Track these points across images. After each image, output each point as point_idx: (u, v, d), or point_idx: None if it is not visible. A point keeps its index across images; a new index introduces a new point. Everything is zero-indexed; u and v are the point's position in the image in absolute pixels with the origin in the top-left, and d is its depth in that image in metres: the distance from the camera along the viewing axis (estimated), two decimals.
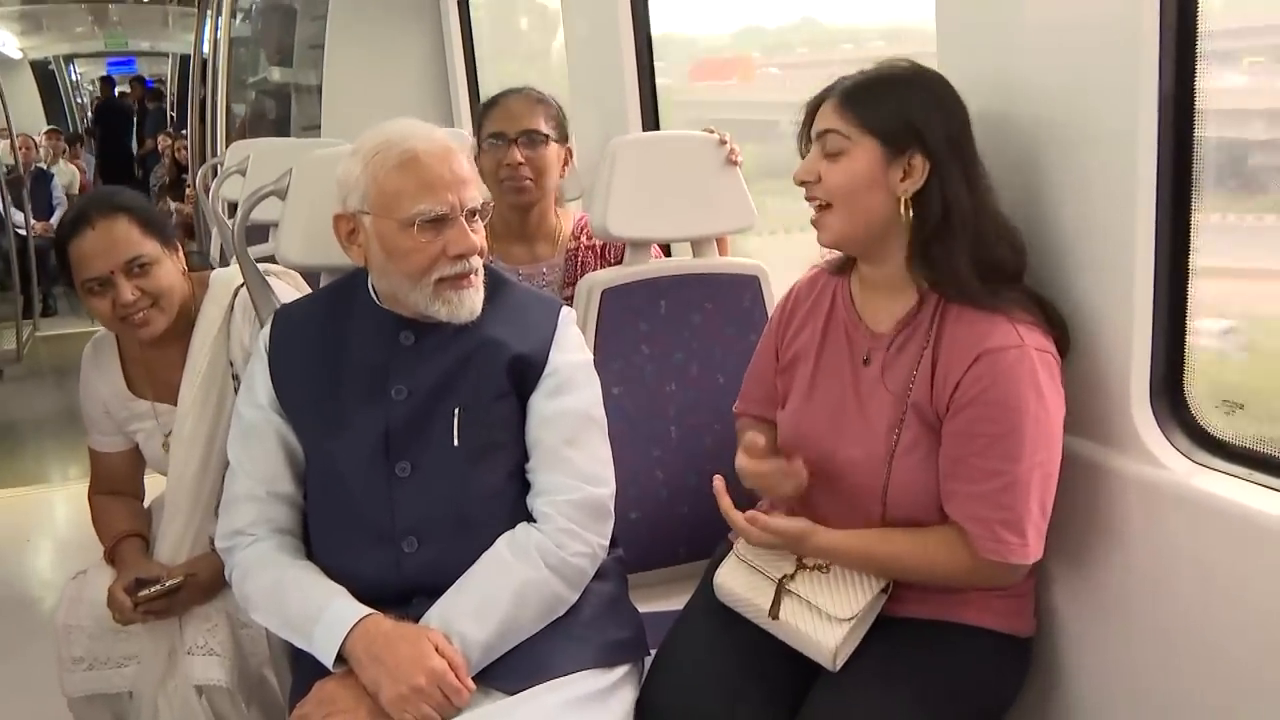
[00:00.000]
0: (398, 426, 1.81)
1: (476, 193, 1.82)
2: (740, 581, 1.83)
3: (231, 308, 2.27)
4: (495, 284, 1.89)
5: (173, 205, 9.32)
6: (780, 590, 1.78)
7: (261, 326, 2.01)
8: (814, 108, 1.80)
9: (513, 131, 2.61)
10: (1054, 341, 1.73)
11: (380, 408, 1.82)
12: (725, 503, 1.78)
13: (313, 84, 5.81)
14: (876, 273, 1.82)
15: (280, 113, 7.34)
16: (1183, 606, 1.69)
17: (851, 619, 1.74)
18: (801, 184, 1.79)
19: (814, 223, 1.81)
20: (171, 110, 14.90)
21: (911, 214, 1.72)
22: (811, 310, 1.94)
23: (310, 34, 6.05)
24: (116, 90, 17.20)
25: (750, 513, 1.77)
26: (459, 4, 4.71)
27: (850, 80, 1.77)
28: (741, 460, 1.83)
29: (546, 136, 2.61)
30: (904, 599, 1.81)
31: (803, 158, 1.82)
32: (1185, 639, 1.69)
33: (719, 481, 1.81)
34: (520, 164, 2.59)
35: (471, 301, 1.81)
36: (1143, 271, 1.71)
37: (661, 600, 2.25)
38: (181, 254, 2.29)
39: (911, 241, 1.74)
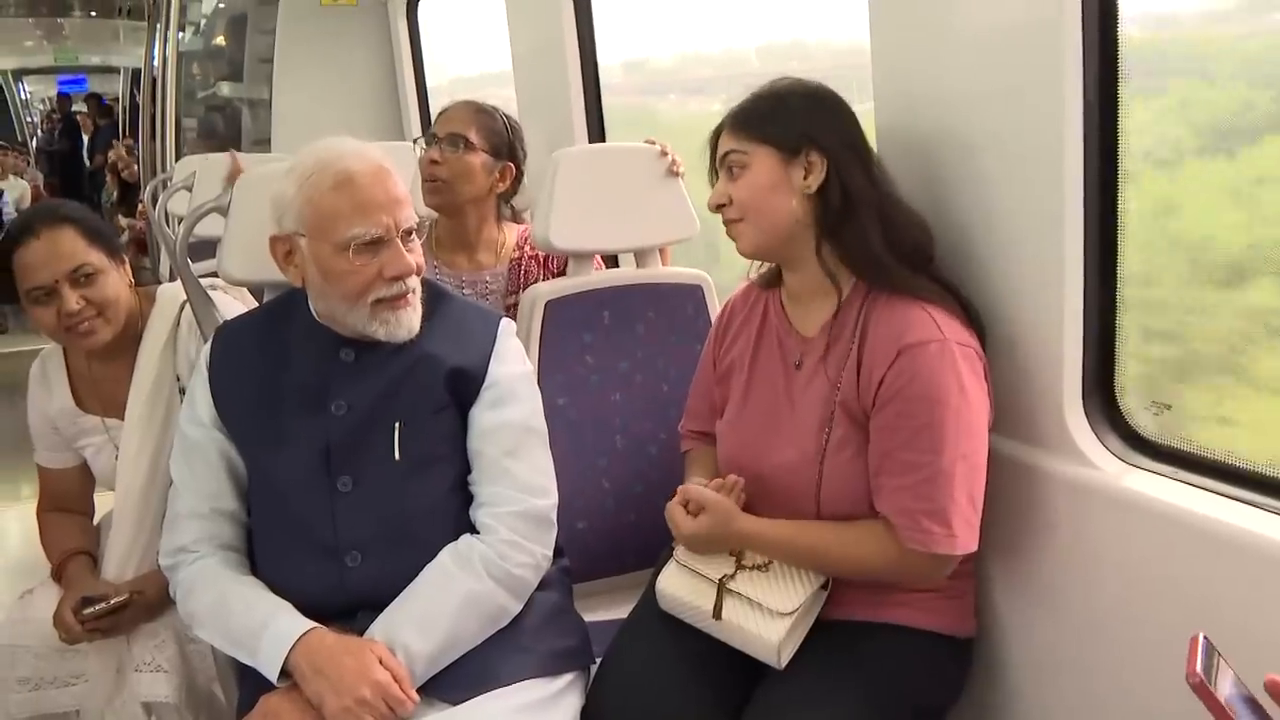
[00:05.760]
0: (338, 442, 1.82)
1: (412, 211, 1.82)
2: (682, 586, 1.85)
3: (178, 322, 2.26)
4: (434, 298, 1.90)
5: (124, 222, 9.23)
6: (721, 590, 1.80)
7: (205, 342, 2.01)
8: (715, 139, 1.88)
9: (440, 132, 2.61)
10: (975, 336, 1.78)
11: (320, 423, 1.82)
12: (673, 501, 1.84)
13: (264, 98, 5.79)
14: (799, 280, 1.87)
15: (232, 127, 7.30)
16: (1117, 603, 1.72)
17: (793, 612, 1.76)
18: (717, 209, 1.87)
19: (730, 234, 1.87)
20: (122, 125, 14.78)
21: (814, 209, 1.80)
22: (745, 321, 1.99)
23: (260, 48, 6.02)
24: (73, 108, 17.04)
25: (684, 486, 1.84)
26: (408, 17, 4.71)
27: (738, 104, 1.87)
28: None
29: (469, 143, 2.59)
30: (845, 602, 1.84)
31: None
32: (1119, 635, 1.73)
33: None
34: (434, 162, 2.58)
35: (409, 321, 1.82)
36: (1072, 275, 1.75)
37: (610, 609, 2.25)
38: (128, 267, 2.28)
39: (820, 233, 1.81)
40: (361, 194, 1.77)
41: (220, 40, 7.97)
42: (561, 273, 2.68)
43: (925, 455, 1.70)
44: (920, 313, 1.75)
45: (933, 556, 1.72)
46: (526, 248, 2.71)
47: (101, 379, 2.31)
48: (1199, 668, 1.08)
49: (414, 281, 1.82)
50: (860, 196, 1.78)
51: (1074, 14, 1.67)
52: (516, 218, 2.82)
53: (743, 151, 1.82)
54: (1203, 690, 1.07)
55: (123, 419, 2.26)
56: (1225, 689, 1.09)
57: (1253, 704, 1.10)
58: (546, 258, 2.70)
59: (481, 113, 2.65)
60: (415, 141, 2.68)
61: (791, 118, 1.80)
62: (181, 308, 2.28)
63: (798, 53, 3.68)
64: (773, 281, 1.97)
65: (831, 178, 1.78)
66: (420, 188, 2.63)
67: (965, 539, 1.72)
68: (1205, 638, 1.12)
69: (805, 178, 1.79)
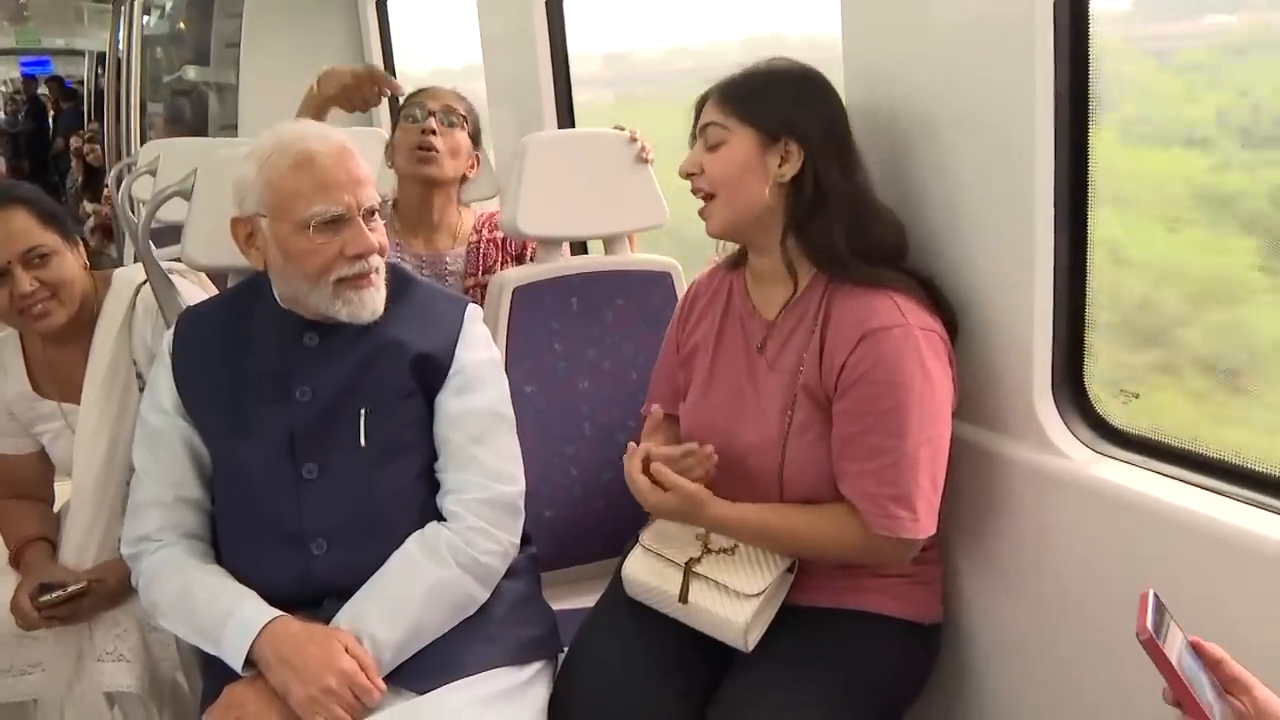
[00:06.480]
0: (303, 428, 1.80)
1: (374, 191, 1.80)
2: (648, 570, 1.85)
3: (133, 305, 2.23)
4: (400, 282, 1.88)
5: (90, 207, 9.12)
6: (688, 573, 1.80)
7: (167, 328, 1.98)
8: (700, 105, 1.86)
9: (434, 106, 2.61)
10: (943, 323, 1.78)
11: (285, 410, 1.81)
12: (634, 464, 1.79)
13: (231, 83, 5.73)
14: (765, 262, 1.87)
15: (198, 112, 7.23)
16: (1085, 590, 1.74)
17: (759, 594, 1.76)
18: (687, 176, 1.85)
19: (701, 213, 1.86)
20: (88, 109, 14.64)
21: (784, 198, 1.79)
22: (710, 302, 1.99)
23: (227, 32, 5.96)
24: (39, 90, 16.87)
25: (654, 465, 1.78)
26: (377, 3, 4.67)
27: (729, 76, 1.84)
28: (653, 449, 1.82)
29: (464, 118, 2.62)
30: (812, 587, 1.84)
31: None
32: (1086, 621, 1.74)
33: (632, 445, 1.82)
34: (434, 132, 2.58)
35: (373, 301, 1.80)
36: (1042, 263, 1.75)
37: (577, 597, 2.25)
38: (82, 249, 2.25)
39: (787, 222, 1.80)
40: (322, 173, 1.75)
41: (183, 24, 7.89)
42: (520, 255, 2.69)
43: (889, 440, 1.70)
44: (884, 298, 1.75)
45: (899, 540, 1.72)
46: (484, 230, 2.72)
47: (57, 362, 2.29)
48: (1149, 623, 1.09)
49: (377, 261, 1.80)
50: (832, 191, 1.77)
51: (1045, 3, 1.67)
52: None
53: (723, 126, 1.80)
54: (1151, 645, 1.09)
55: (80, 404, 2.23)
56: (1175, 649, 1.11)
57: (1199, 662, 1.14)
58: (505, 240, 2.71)
59: (463, 98, 2.68)
60: (401, 111, 2.66)
61: (777, 101, 1.79)
62: (137, 291, 2.25)
63: (777, 45, 3.70)
64: (739, 262, 1.97)
65: (806, 170, 1.77)
66: (408, 157, 2.61)
67: (928, 522, 1.72)
68: (1155, 595, 1.14)
69: (780, 165, 1.78)
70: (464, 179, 2.69)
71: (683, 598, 1.79)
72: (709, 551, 1.81)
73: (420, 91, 2.69)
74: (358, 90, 2.51)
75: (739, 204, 1.81)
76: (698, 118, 1.86)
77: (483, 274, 2.65)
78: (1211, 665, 1.16)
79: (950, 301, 1.82)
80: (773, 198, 1.79)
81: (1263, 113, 2.17)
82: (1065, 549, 1.76)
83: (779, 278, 1.85)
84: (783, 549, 1.80)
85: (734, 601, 1.76)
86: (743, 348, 1.90)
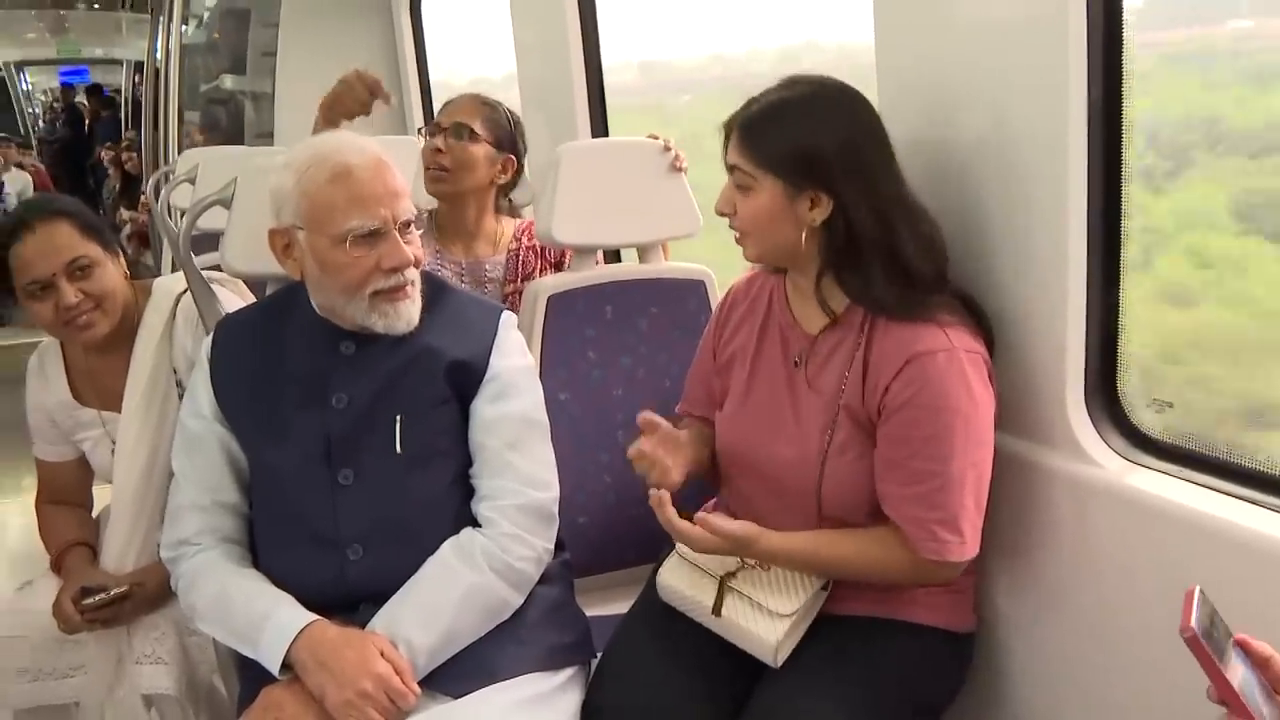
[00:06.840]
0: (339, 435, 1.81)
1: (410, 204, 1.82)
2: (683, 579, 1.85)
3: (173, 315, 2.26)
4: (434, 290, 1.90)
5: (126, 214, 9.21)
6: (723, 587, 1.80)
7: (207, 334, 2.01)
8: (726, 133, 1.81)
9: (445, 122, 2.64)
10: (983, 341, 1.76)
11: (321, 417, 1.82)
12: (668, 512, 1.76)
13: (267, 91, 5.78)
14: (805, 280, 1.85)
15: (235, 120, 7.29)
16: (1119, 600, 1.72)
17: (792, 614, 1.76)
18: (722, 214, 1.83)
19: (738, 241, 1.84)
20: (125, 117, 14.77)
21: (818, 240, 1.76)
22: (749, 310, 1.97)
23: (263, 41, 6.01)
24: (77, 99, 17.04)
25: (699, 515, 1.76)
26: (411, 9, 4.70)
27: (748, 111, 1.79)
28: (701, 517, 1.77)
29: (474, 133, 2.62)
30: (845, 597, 1.83)
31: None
32: (1121, 632, 1.73)
33: (655, 494, 1.78)
34: (438, 150, 2.61)
35: (408, 313, 1.81)
36: (1075, 273, 1.75)
37: (611, 603, 2.25)
38: (123, 259, 2.28)
39: (821, 265, 1.78)
40: (359, 186, 1.76)
41: (219, 34, 7.96)
42: (560, 262, 2.70)
43: (935, 464, 1.69)
44: (927, 322, 1.73)
45: (945, 563, 1.72)
46: (524, 239, 2.74)
47: (98, 372, 2.31)
48: (1193, 621, 1.08)
49: (412, 273, 1.82)
50: (866, 236, 1.72)
51: (1079, 8, 1.66)
52: (513, 212, 2.84)
53: (748, 174, 1.76)
54: (1195, 644, 1.07)
55: (119, 412, 2.26)
56: (1222, 647, 1.10)
57: (1247, 660, 1.13)
58: (544, 248, 2.73)
59: (485, 105, 2.68)
60: (420, 130, 2.69)
61: (795, 142, 1.73)
62: (177, 300, 2.28)
63: (811, 54, 3.71)
64: (780, 268, 1.94)
65: (836, 215, 1.73)
66: (422, 177, 2.65)
67: (973, 544, 1.72)
68: (1200, 591, 1.13)
69: (810, 209, 1.74)
70: (501, 187, 2.71)
71: (716, 610, 1.79)
72: (745, 565, 1.80)
73: (447, 104, 2.71)
74: (350, 94, 2.52)
75: (772, 245, 1.79)
76: (726, 144, 1.81)
77: (522, 281, 2.67)
78: (1259, 664, 1.14)
79: (986, 314, 1.81)
80: (807, 241, 1.77)
81: (1166, 114, 2.25)
82: (1101, 558, 1.75)
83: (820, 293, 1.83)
84: (830, 575, 1.80)
85: (766, 619, 1.76)
86: (781, 360, 1.89)
